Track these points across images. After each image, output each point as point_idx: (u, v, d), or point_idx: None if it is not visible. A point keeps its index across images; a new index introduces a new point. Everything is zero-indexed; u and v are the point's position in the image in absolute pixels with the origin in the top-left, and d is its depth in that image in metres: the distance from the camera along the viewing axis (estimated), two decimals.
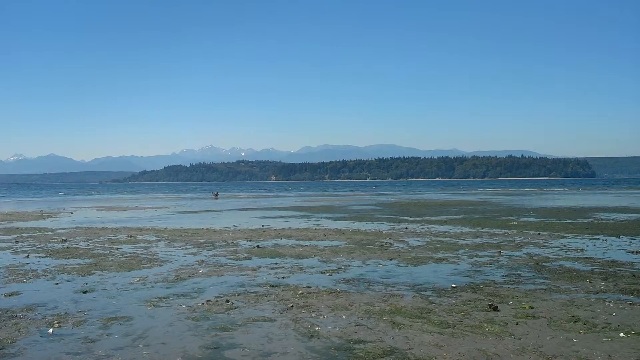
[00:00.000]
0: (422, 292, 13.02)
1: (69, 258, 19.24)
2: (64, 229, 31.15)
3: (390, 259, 18.16)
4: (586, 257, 18.24)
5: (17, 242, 24.33)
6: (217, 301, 12.19)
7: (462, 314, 10.92)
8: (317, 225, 32.02)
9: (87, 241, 24.37)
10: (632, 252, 19.45)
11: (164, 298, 12.64)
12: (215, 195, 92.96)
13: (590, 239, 23.56)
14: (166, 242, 23.76)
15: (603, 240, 23.00)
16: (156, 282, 14.58)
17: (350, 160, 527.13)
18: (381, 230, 28.26)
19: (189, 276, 15.37)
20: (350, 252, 19.79)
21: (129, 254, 20.00)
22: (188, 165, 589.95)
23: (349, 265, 17.02)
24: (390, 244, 22.23)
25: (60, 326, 10.39)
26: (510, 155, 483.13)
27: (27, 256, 19.81)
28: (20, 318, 10.97)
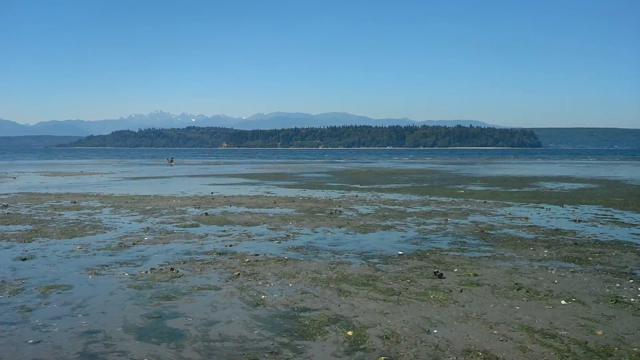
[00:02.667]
0: (369, 260, 13.03)
1: (9, 224, 18.59)
2: (6, 194, 30.12)
3: (339, 227, 18.16)
4: (530, 225, 18.60)
5: None
6: (161, 269, 11.94)
7: (408, 281, 10.97)
8: (268, 192, 31.80)
9: (28, 207, 23.61)
10: (575, 220, 19.92)
11: (106, 266, 12.31)
12: (171, 161, 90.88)
13: (534, 207, 24.04)
14: (111, 208, 23.21)
15: (547, 209, 23.50)
16: (99, 250, 14.20)
17: (303, 128, 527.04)
18: (331, 198, 28.25)
19: (134, 244, 15.03)
20: (299, 220, 19.70)
21: (71, 221, 19.45)
22: (137, 131, 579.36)
23: (297, 233, 16.94)
24: (340, 211, 22.23)
25: None
26: (459, 125, 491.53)
27: None
28: None
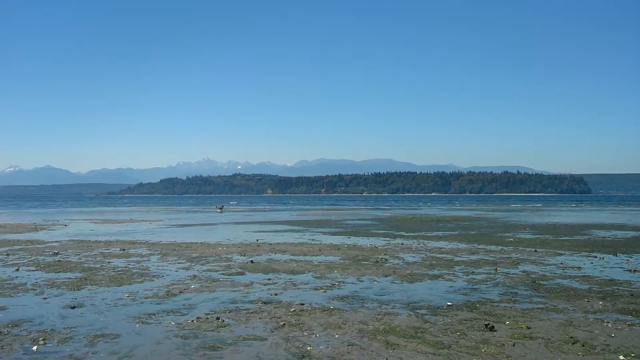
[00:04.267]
0: (417, 311, 12.77)
1: (59, 272, 18.94)
2: (57, 241, 30.81)
3: (386, 276, 17.92)
4: (583, 276, 18.02)
5: (8, 254, 24.00)
6: (207, 318, 11.92)
7: (458, 333, 10.67)
8: (312, 239, 31.76)
9: (79, 254, 24.06)
10: (630, 270, 19.24)
11: (153, 314, 12.37)
12: (221, 208, 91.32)
13: (587, 256, 23.35)
14: (159, 256, 23.47)
15: (600, 258, 22.80)
16: (146, 298, 14.30)
17: (347, 175, 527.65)
18: (377, 245, 28.00)
19: (180, 292, 15.09)
20: (344, 268, 19.54)
21: (120, 268, 19.71)
22: (184, 178, 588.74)
23: (343, 282, 16.76)
24: (386, 260, 21.98)
25: (45, 343, 10.12)
26: (506, 171, 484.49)
27: (18, 269, 19.50)
28: (5, 334, 10.68)
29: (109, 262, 21.38)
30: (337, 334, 10.71)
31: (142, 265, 20.49)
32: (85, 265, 20.61)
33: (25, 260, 21.93)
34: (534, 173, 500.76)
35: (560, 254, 24.04)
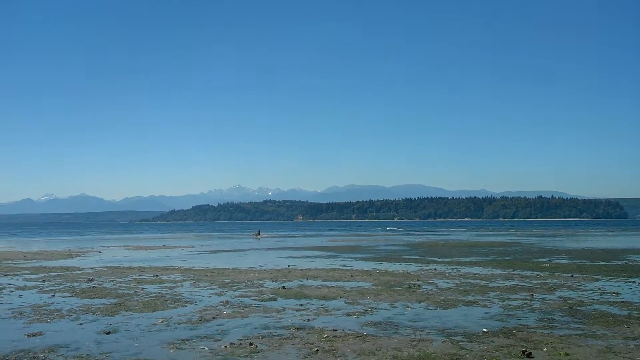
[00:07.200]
0: (452, 337, 12.59)
1: (94, 298, 19.16)
2: (91, 268, 31.21)
3: (419, 302, 17.74)
4: (622, 301, 17.62)
5: (44, 281, 24.37)
6: (240, 344, 11.92)
7: None
8: (344, 265, 31.64)
9: (113, 281, 24.33)
10: None
11: (187, 340, 12.41)
12: (257, 234, 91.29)
13: (625, 282, 22.84)
14: (191, 282, 23.60)
15: (639, 283, 22.26)
16: (180, 324, 14.37)
17: (377, 200, 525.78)
18: (409, 271, 27.77)
19: (213, 317, 15.14)
20: (377, 294, 19.40)
21: (154, 294, 19.86)
22: (216, 205, 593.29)
23: (376, 308, 16.64)
24: (419, 285, 21.78)
25: None
26: (540, 196, 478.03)
27: (53, 295, 19.79)
28: (42, 359, 10.80)
29: (142, 288, 21.57)
30: None
31: (175, 291, 20.62)
32: (119, 291, 20.82)
33: (61, 287, 22.24)
34: (568, 198, 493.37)
35: (598, 280, 23.55)
